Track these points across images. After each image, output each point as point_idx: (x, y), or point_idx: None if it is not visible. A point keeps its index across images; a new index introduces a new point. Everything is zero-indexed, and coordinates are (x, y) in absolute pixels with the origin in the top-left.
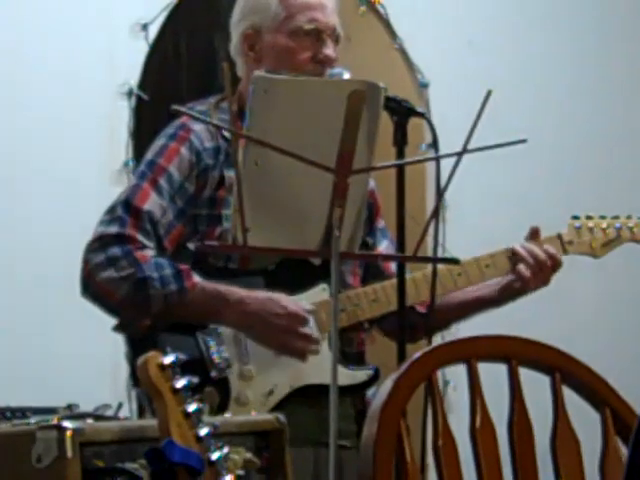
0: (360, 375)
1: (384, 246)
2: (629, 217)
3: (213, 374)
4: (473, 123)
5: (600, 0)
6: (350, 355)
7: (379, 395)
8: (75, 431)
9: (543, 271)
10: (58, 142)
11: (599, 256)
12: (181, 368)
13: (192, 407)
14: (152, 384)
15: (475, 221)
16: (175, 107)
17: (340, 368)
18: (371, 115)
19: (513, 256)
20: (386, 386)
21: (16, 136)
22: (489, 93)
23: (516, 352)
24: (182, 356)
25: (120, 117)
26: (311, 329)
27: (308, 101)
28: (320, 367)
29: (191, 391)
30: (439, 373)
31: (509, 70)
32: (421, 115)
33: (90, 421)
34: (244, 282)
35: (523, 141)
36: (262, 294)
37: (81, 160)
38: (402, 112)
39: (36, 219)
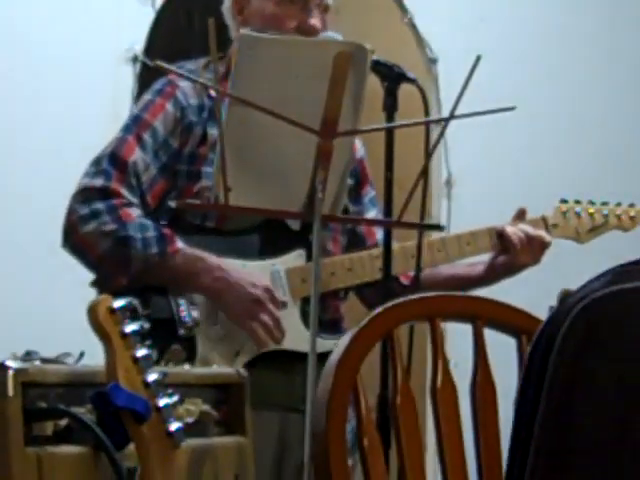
0: (330, 343)
1: (372, 215)
2: (618, 204)
3: (180, 332)
4: (461, 88)
5: None
6: (324, 322)
7: (336, 350)
8: (18, 371)
9: (532, 246)
10: (62, 107)
11: (584, 241)
12: (150, 325)
13: (141, 352)
14: (101, 327)
15: (482, 198)
16: (158, 63)
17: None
18: (357, 77)
19: (499, 236)
20: (343, 341)
21: (19, 102)
22: (478, 58)
23: (483, 313)
24: (134, 302)
25: (125, 83)
26: (282, 317)
27: (294, 61)
28: (290, 332)
29: (141, 336)
30: None
31: (520, 48)
32: (412, 81)
33: (37, 363)
34: (218, 242)
35: (511, 108)
36: (248, 271)
37: (85, 125)
38: (392, 77)
39: (40, 186)
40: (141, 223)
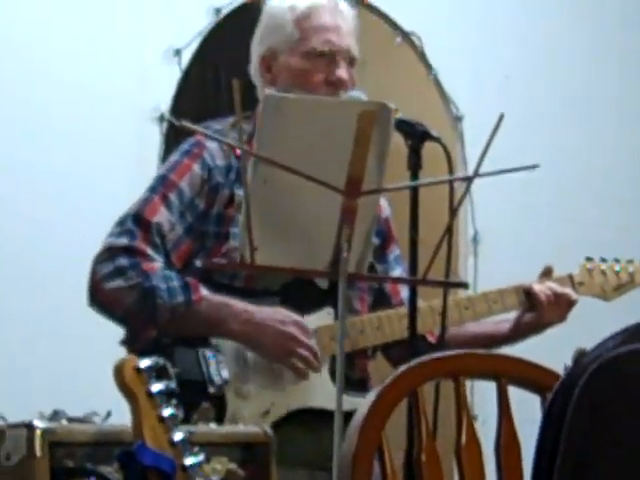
0: (358, 401)
1: (397, 273)
2: None
3: (211, 390)
4: (485, 147)
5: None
6: (352, 381)
7: (361, 408)
8: (45, 430)
9: (559, 304)
10: (89, 166)
11: (610, 299)
12: (180, 384)
13: (167, 412)
14: (127, 387)
15: (508, 255)
16: (184, 123)
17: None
18: (382, 136)
19: (526, 294)
20: (368, 399)
21: (47, 161)
22: (501, 117)
23: (505, 370)
24: (160, 361)
25: (151, 142)
26: (315, 344)
27: (318, 120)
28: (319, 391)
29: (166, 395)
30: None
31: (545, 105)
32: (436, 139)
33: (65, 422)
34: (246, 300)
35: (535, 166)
36: (269, 307)
37: (111, 185)
38: (416, 135)
39: (63, 246)
40: (164, 274)
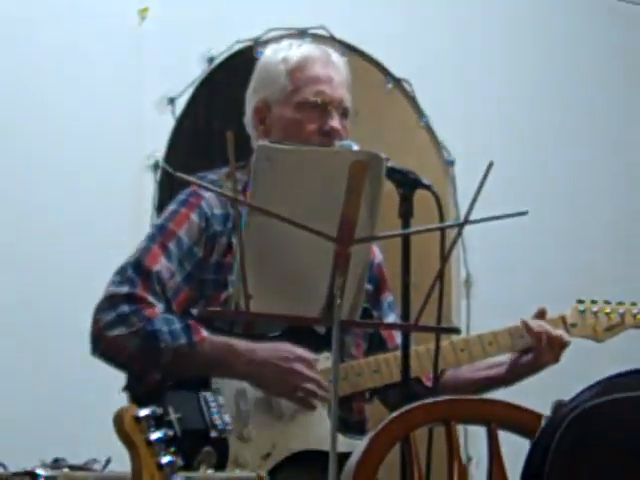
0: (356, 444)
1: (391, 319)
2: (634, 304)
3: (212, 434)
4: (474, 194)
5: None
6: (350, 423)
7: (355, 453)
8: (47, 478)
9: (553, 346)
10: (84, 214)
11: (602, 340)
12: (182, 428)
13: (166, 459)
14: (126, 435)
15: (501, 298)
16: (180, 175)
17: (339, 436)
18: (373, 185)
19: (520, 332)
20: (362, 444)
21: (42, 206)
22: (490, 165)
23: (495, 415)
24: (159, 410)
25: (146, 190)
26: (318, 374)
27: (310, 170)
28: (319, 433)
29: (165, 443)
30: (462, 448)
31: (537, 148)
32: (427, 187)
33: (66, 470)
34: None
35: (524, 213)
36: (269, 343)
37: (107, 233)
38: (407, 184)
39: (61, 293)
40: (165, 317)
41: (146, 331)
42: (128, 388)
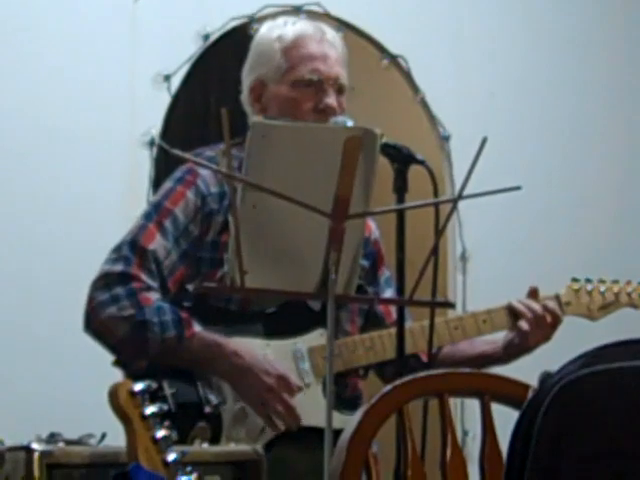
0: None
1: (388, 295)
2: (629, 282)
3: (207, 410)
4: (469, 170)
5: (633, 58)
6: (345, 399)
7: (349, 426)
8: (43, 453)
9: (542, 326)
10: (79, 192)
11: (596, 319)
12: (177, 404)
13: (160, 433)
14: (121, 410)
15: (498, 273)
16: (175, 152)
17: (334, 412)
18: (367, 161)
19: (511, 312)
20: (356, 417)
21: (37, 186)
22: (484, 140)
23: (488, 387)
24: (154, 384)
25: (141, 167)
26: (295, 404)
27: (305, 146)
28: (314, 410)
29: (160, 417)
30: (457, 423)
31: (531, 122)
32: (420, 162)
33: (61, 444)
34: (242, 324)
35: (517, 188)
36: (259, 352)
37: (102, 210)
38: (401, 159)
39: (57, 269)
40: (159, 306)
41: (137, 320)
42: (119, 364)
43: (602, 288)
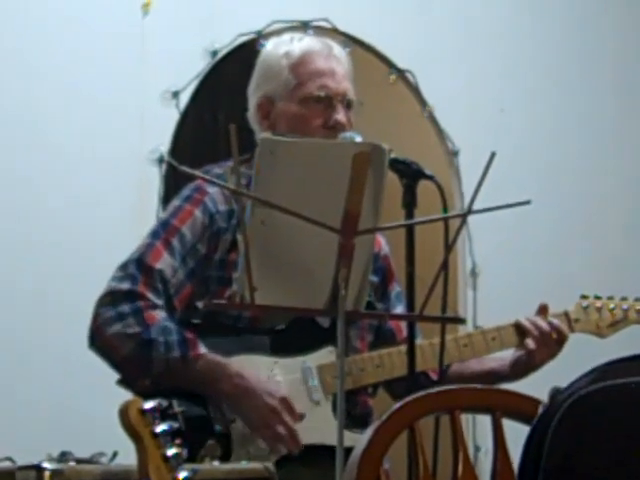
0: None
1: (399, 311)
2: (637, 299)
3: (216, 428)
4: (477, 184)
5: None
6: (355, 417)
7: (360, 443)
8: (54, 472)
9: (548, 344)
10: (89, 208)
11: (605, 336)
12: (186, 422)
13: (171, 451)
14: (132, 428)
15: (508, 288)
16: (184, 168)
17: (344, 431)
18: (376, 176)
19: (519, 329)
20: (367, 434)
21: (46, 204)
22: (493, 155)
23: (499, 403)
24: (164, 402)
25: (151, 184)
26: (296, 429)
27: (313, 162)
28: (322, 428)
29: (171, 435)
30: (469, 439)
31: (541, 137)
32: (429, 178)
33: (72, 463)
34: (251, 341)
35: (527, 202)
36: (265, 373)
37: (112, 227)
38: (410, 175)
39: (68, 290)
40: (165, 326)
41: (142, 338)
42: (123, 383)
43: (611, 305)
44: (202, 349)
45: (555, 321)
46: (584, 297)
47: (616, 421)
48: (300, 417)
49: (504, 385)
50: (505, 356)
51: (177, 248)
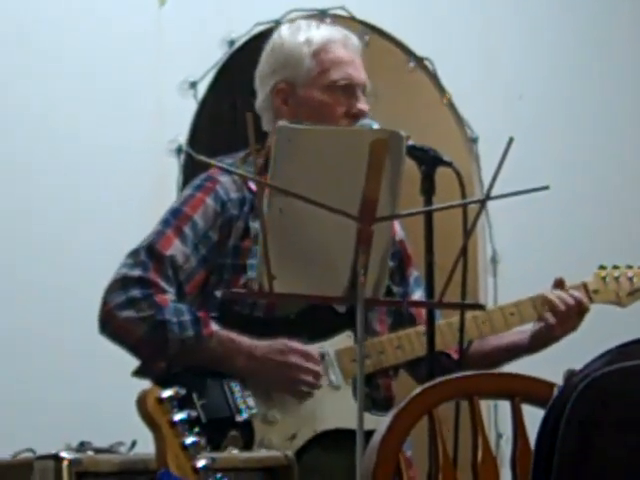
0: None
1: (418, 295)
2: None
3: (238, 418)
4: (496, 170)
5: None
6: (378, 400)
7: (380, 428)
8: (72, 461)
9: (571, 317)
10: (107, 200)
11: (625, 305)
12: (207, 412)
13: (190, 440)
14: (150, 417)
15: (529, 274)
16: (201, 158)
17: (366, 413)
18: (394, 163)
19: (542, 304)
20: (386, 420)
21: (65, 194)
22: (510, 140)
23: (518, 389)
24: (182, 391)
25: (169, 174)
26: (318, 367)
27: (331, 150)
28: (344, 412)
29: (189, 423)
30: (491, 426)
31: (559, 123)
32: (448, 164)
33: (91, 453)
34: (268, 329)
35: (545, 188)
36: (274, 341)
37: (130, 217)
38: (428, 161)
39: (86, 280)
40: (176, 307)
41: (155, 320)
42: (138, 373)
43: (630, 274)
44: (214, 326)
45: (576, 293)
46: (602, 267)
47: (631, 402)
48: (321, 356)
49: (523, 368)
50: (525, 329)
51: (189, 235)
